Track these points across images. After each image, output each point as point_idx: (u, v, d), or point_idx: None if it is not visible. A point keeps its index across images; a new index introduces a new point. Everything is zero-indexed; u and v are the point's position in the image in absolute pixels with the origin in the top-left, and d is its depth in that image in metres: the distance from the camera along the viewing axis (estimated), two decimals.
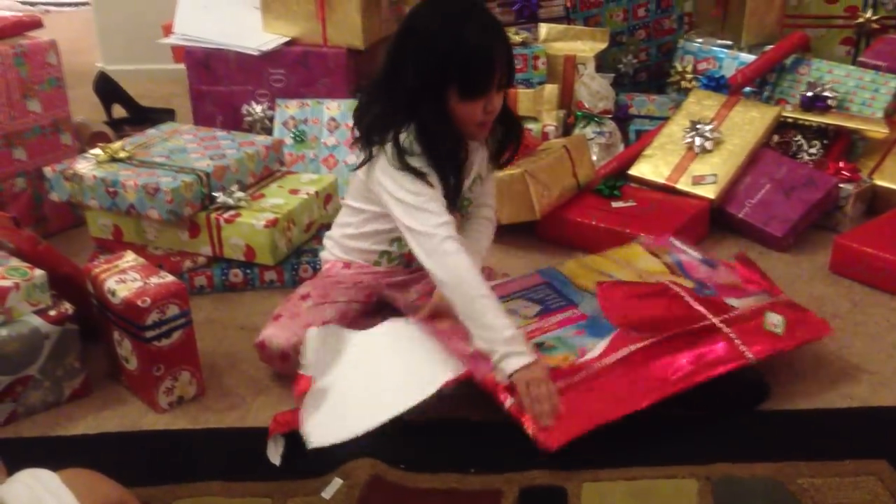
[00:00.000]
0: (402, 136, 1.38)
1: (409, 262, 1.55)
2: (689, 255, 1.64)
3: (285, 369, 1.44)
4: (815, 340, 1.49)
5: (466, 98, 1.36)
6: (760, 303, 1.48)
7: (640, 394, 1.30)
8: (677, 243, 1.68)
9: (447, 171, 1.39)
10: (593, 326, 1.42)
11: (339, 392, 1.35)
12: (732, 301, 1.49)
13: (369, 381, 1.37)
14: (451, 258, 1.34)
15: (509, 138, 1.50)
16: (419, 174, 1.37)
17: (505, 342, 1.29)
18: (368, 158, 1.42)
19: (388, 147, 1.38)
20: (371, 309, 1.55)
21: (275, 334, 1.44)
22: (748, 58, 2.34)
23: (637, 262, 1.61)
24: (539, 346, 1.37)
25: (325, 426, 1.30)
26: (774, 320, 1.42)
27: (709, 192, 1.95)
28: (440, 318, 1.43)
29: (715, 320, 1.41)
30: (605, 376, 1.32)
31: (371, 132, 1.42)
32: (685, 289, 1.49)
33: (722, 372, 1.33)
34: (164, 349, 1.36)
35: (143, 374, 1.38)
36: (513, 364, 1.28)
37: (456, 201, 1.44)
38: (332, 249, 1.59)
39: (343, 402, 1.34)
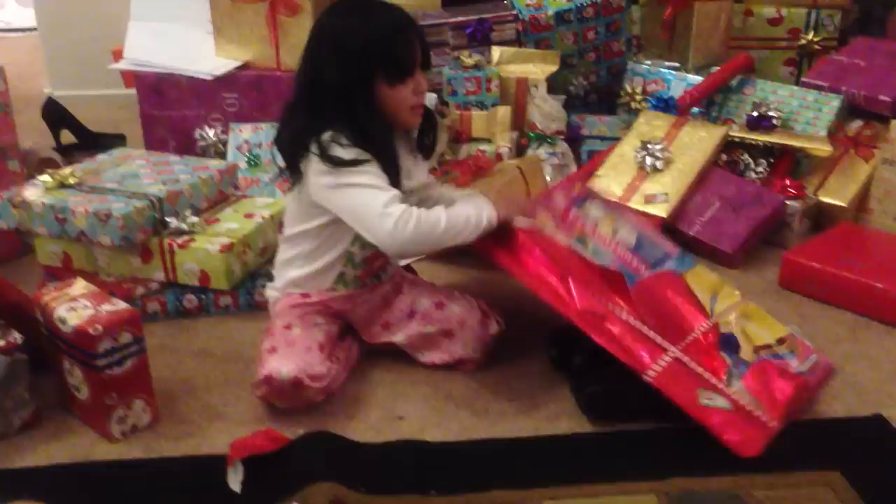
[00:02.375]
0: (325, 137, 1.39)
1: (364, 282, 1.54)
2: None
3: (294, 400, 1.39)
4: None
5: (395, 82, 1.41)
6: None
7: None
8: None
9: (384, 160, 1.41)
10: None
11: None
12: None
13: None
14: (409, 230, 1.36)
15: (426, 124, 1.54)
16: (355, 162, 1.38)
17: (477, 213, 1.41)
18: (296, 176, 1.44)
19: (315, 152, 1.39)
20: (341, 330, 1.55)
21: (281, 364, 1.38)
22: (695, 79, 2.39)
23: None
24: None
25: None
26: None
27: (660, 210, 1.98)
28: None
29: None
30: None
31: (293, 147, 1.43)
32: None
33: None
34: (116, 377, 1.33)
35: (94, 403, 1.35)
36: (487, 212, 1.42)
37: (395, 178, 1.44)
38: (285, 290, 1.54)
39: None
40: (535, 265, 1.43)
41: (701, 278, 1.57)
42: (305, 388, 1.38)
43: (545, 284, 1.41)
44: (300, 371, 1.38)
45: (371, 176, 1.39)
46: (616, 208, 1.68)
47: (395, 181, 1.42)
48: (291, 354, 1.40)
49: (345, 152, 1.38)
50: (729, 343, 1.45)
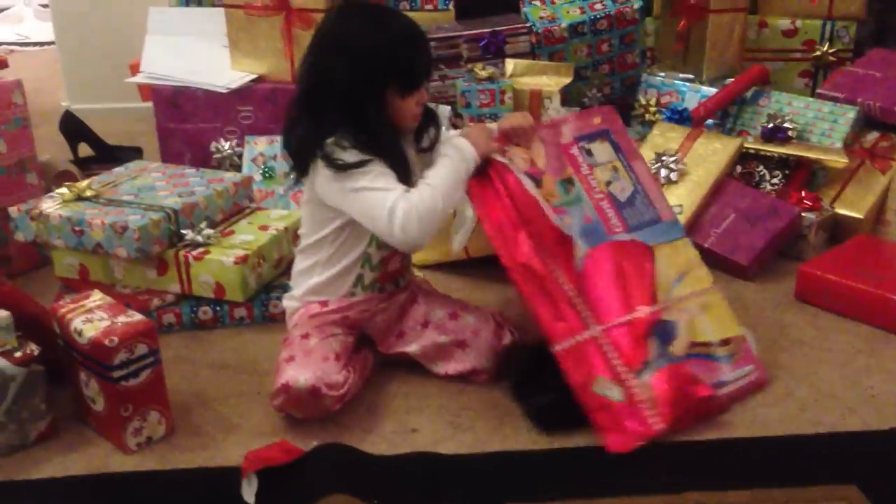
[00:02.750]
0: (329, 142, 1.39)
1: (382, 286, 1.54)
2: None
3: (311, 409, 1.40)
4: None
5: (406, 94, 1.42)
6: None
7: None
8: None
9: (392, 161, 1.41)
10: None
11: None
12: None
13: None
14: (415, 225, 1.36)
15: (427, 122, 1.53)
16: (358, 164, 1.38)
17: (460, 164, 1.43)
18: (305, 179, 1.44)
19: (320, 156, 1.39)
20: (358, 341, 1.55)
21: (298, 373, 1.39)
22: (709, 91, 2.39)
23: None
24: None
25: None
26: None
27: None
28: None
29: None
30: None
31: (301, 153, 1.44)
32: None
33: None
34: (132, 389, 1.34)
35: (110, 414, 1.36)
36: (468, 154, 1.44)
37: (407, 179, 1.43)
38: (304, 297, 1.54)
39: None
40: (495, 208, 1.45)
41: (677, 253, 1.55)
42: (323, 397, 1.38)
43: (498, 228, 1.43)
44: (317, 380, 1.38)
45: (374, 175, 1.39)
46: (629, 154, 1.62)
47: (404, 178, 1.42)
48: (309, 363, 1.41)
49: (347, 155, 1.39)
50: (665, 331, 1.45)
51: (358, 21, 1.44)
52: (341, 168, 1.38)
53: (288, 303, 1.57)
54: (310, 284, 1.53)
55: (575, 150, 1.58)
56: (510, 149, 1.53)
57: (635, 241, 1.52)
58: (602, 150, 1.61)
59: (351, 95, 1.40)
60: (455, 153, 1.44)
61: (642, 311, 1.44)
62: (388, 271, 1.54)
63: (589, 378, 1.36)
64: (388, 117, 1.43)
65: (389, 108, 1.43)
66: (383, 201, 1.37)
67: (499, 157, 1.47)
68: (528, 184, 1.48)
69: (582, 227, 1.51)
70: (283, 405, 1.41)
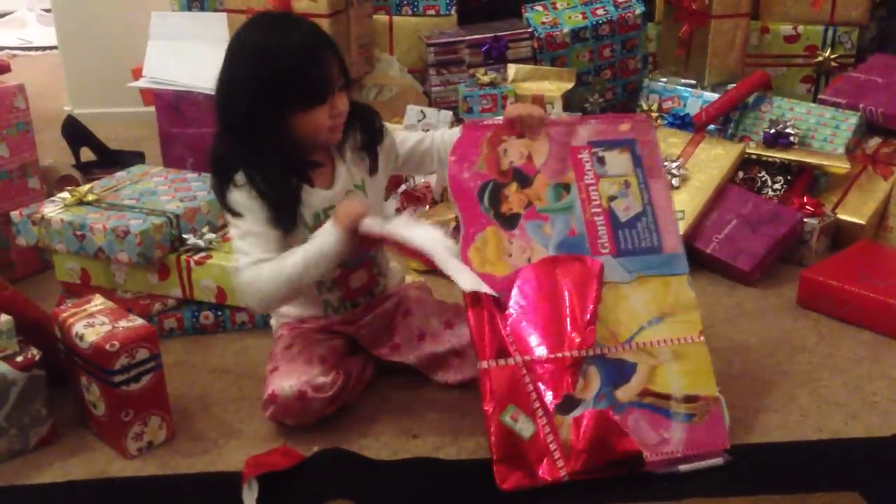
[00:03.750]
0: (230, 173, 1.37)
1: (356, 302, 1.53)
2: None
3: (301, 415, 1.39)
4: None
5: (309, 107, 1.35)
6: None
7: None
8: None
9: (279, 204, 1.36)
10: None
11: None
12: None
13: None
14: (247, 273, 1.35)
15: (367, 126, 1.48)
16: (234, 214, 1.37)
17: (317, 247, 1.34)
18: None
19: (214, 187, 1.40)
20: (353, 345, 1.54)
21: (283, 380, 1.38)
22: (711, 96, 2.39)
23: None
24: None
25: None
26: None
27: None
28: None
29: None
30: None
31: (217, 166, 1.41)
32: None
33: None
34: (133, 394, 1.34)
35: (111, 419, 1.36)
36: (327, 226, 1.34)
37: (292, 218, 1.39)
38: (281, 321, 1.54)
39: None
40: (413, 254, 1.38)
41: (666, 290, 1.42)
42: (311, 401, 1.38)
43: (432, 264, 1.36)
44: (302, 385, 1.38)
45: (242, 233, 1.37)
46: (650, 171, 1.50)
47: (288, 222, 1.38)
48: (293, 370, 1.40)
49: (234, 195, 1.37)
50: (617, 372, 1.34)
51: (258, 31, 1.38)
52: (222, 205, 1.39)
53: (273, 319, 1.57)
54: (282, 311, 1.52)
55: (584, 155, 1.48)
56: (507, 139, 1.45)
57: (583, 257, 1.41)
58: (618, 162, 1.50)
59: (250, 111, 1.35)
60: (319, 232, 1.36)
61: (572, 349, 1.34)
62: (353, 288, 1.52)
63: (500, 405, 1.28)
64: (297, 137, 1.38)
65: (296, 126, 1.37)
66: (238, 262, 1.37)
67: (371, 227, 1.34)
68: (423, 236, 1.34)
69: (562, 240, 1.42)
70: (273, 415, 1.41)
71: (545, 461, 1.28)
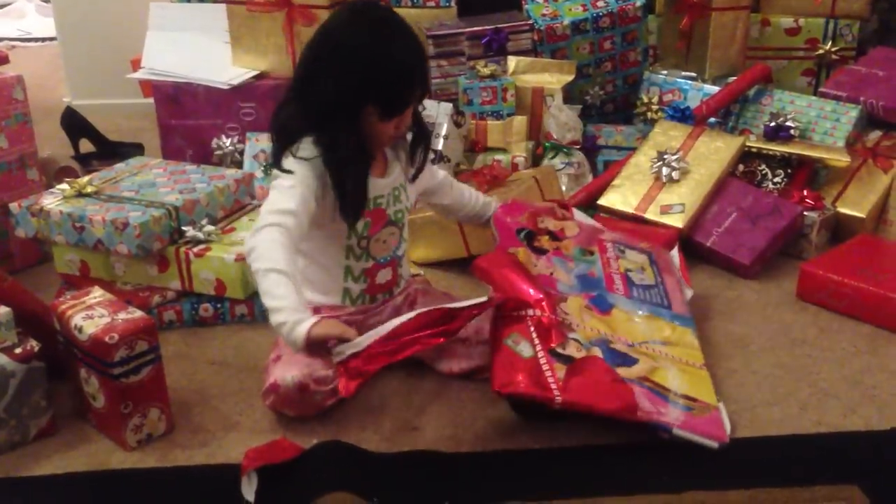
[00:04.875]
0: (306, 142, 1.40)
1: (374, 298, 1.54)
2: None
3: (302, 406, 1.39)
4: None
5: (385, 118, 1.39)
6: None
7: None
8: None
9: (344, 178, 1.39)
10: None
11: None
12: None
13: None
14: (259, 236, 1.35)
15: (418, 142, 1.52)
16: (286, 171, 1.40)
17: (293, 310, 1.31)
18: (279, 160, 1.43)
19: (290, 151, 1.41)
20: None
21: (285, 371, 1.39)
22: (712, 89, 2.38)
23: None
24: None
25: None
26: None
27: (677, 221, 1.97)
28: None
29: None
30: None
31: (282, 133, 1.43)
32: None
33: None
34: (132, 386, 1.34)
35: (110, 411, 1.36)
36: (303, 328, 1.31)
37: (358, 208, 1.42)
38: None
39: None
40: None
41: (673, 332, 1.53)
42: (312, 393, 1.38)
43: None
44: (304, 376, 1.38)
45: (286, 182, 1.39)
46: (664, 269, 1.70)
47: (355, 200, 1.40)
48: (296, 361, 1.40)
49: (288, 162, 1.40)
50: (621, 359, 1.41)
51: (361, 27, 1.39)
52: (275, 164, 1.41)
53: None
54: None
55: (609, 244, 1.71)
56: (543, 219, 1.69)
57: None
58: (636, 257, 1.71)
59: (331, 101, 1.38)
60: (299, 313, 1.33)
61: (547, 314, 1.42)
62: (378, 283, 1.54)
63: (506, 332, 1.38)
64: (362, 133, 1.40)
65: (365, 126, 1.40)
66: (268, 203, 1.39)
67: (342, 351, 1.34)
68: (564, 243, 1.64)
69: (582, 274, 1.59)
70: (273, 405, 1.41)
71: (540, 380, 1.32)
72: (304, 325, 1.31)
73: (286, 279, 1.32)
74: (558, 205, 1.79)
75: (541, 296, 1.44)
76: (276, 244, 1.34)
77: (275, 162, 1.43)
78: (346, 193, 1.40)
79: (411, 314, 1.35)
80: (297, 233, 1.38)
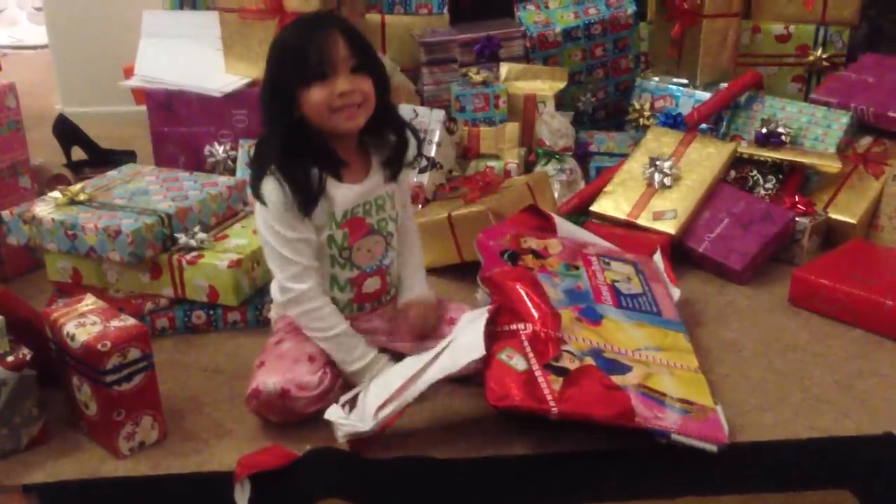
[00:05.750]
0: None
1: (361, 305, 1.53)
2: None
3: (284, 412, 1.40)
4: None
5: (305, 82, 1.36)
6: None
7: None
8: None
9: (294, 169, 1.38)
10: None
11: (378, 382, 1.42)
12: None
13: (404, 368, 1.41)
14: (294, 311, 1.45)
15: (398, 139, 1.49)
16: (263, 201, 1.40)
17: (354, 358, 1.45)
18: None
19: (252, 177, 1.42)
20: None
21: (268, 376, 1.39)
22: (703, 96, 2.39)
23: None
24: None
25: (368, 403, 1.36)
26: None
27: (669, 227, 1.98)
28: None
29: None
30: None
31: (254, 159, 1.44)
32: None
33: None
34: (124, 393, 1.34)
35: (103, 419, 1.35)
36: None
37: (309, 200, 1.40)
38: (281, 310, 1.53)
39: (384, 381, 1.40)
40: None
41: (664, 336, 1.54)
42: (294, 399, 1.38)
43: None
44: (287, 382, 1.38)
45: (277, 239, 1.40)
46: (651, 278, 1.71)
47: (305, 202, 1.39)
48: (278, 366, 1.41)
49: (265, 183, 1.39)
50: (615, 367, 1.41)
51: (288, 26, 1.43)
52: (254, 195, 1.42)
53: (272, 312, 1.57)
54: None
55: (593, 258, 1.71)
56: (526, 239, 1.70)
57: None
58: (622, 268, 1.72)
59: (266, 93, 1.40)
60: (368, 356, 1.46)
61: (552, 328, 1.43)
62: (365, 293, 1.53)
63: (499, 347, 1.38)
64: (310, 121, 1.39)
65: (304, 108, 1.38)
66: (277, 270, 1.44)
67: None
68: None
69: (569, 289, 1.58)
70: (256, 409, 1.42)
71: (536, 392, 1.32)
72: (373, 356, 1.45)
73: (346, 337, 1.45)
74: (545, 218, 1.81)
75: (546, 312, 1.44)
76: (314, 311, 1.44)
77: (253, 192, 1.42)
78: (298, 186, 1.38)
79: (419, 366, 1.37)
80: (318, 276, 1.44)
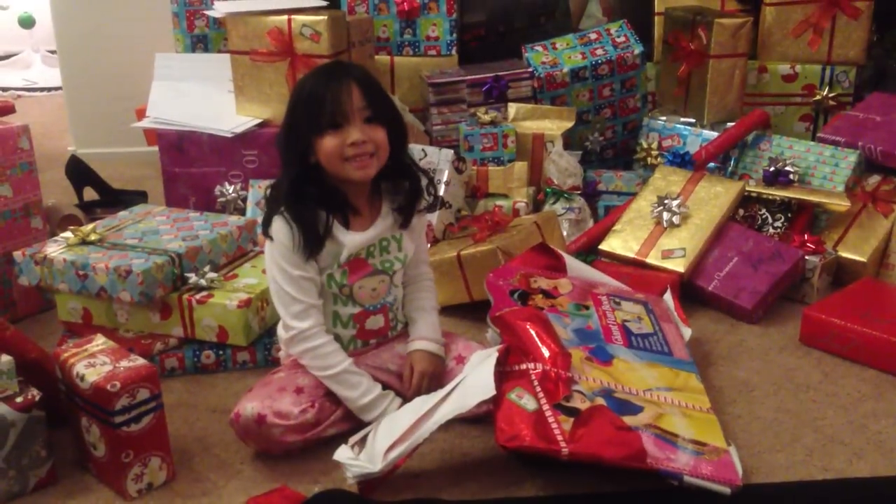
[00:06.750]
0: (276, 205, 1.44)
1: (366, 342, 1.54)
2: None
3: (261, 439, 1.40)
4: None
5: (319, 132, 1.39)
6: None
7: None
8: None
9: (301, 212, 1.41)
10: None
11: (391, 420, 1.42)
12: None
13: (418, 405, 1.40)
14: (298, 349, 1.46)
15: (412, 193, 1.51)
16: (271, 237, 1.43)
17: (367, 405, 1.47)
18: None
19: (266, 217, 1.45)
20: None
21: (248, 401, 1.41)
22: (711, 135, 2.40)
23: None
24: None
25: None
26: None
27: (678, 265, 1.98)
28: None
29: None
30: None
31: (269, 198, 1.48)
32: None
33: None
34: (133, 434, 1.33)
35: (111, 460, 1.35)
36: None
37: (313, 244, 1.42)
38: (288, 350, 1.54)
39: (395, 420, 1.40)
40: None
41: (675, 377, 1.52)
42: (270, 426, 1.39)
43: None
44: (265, 408, 1.39)
45: (284, 276, 1.43)
46: (661, 318, 1.71)
47: (309, 244, 1.41)
48: (261, 393, 1.43)
49: (274, 222, 1.43)
50: (625, 407, 1.39)
51: (308, 76, 1.46)
52: (264, 233, 1.45)
53: (282, 352, 1.58)
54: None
55: (603, 298, 1.71)
56: (536, 279, 1.69)
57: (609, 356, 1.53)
58: (632, 308, 1.71)
59: (282, 138, 1.44)
60: (375, 398, 1.47)
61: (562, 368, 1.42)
62: (368, 329, 1.53)
63: (509, 387, 1.37)
64: (325, 168, 1.42)
65: (318, 154, 1.41)
66: (283, 308, 1.45)
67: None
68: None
69: (579, 328, 1.58)
70: (237, 434, 1.44)
71: (546, 433, 1.30)
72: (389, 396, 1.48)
73: (348, 375, 1.46)
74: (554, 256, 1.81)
75: (556, 351, 1.43)
76: (315, 350, 1.45)
77: (263, 226, 1.46)
78: (304, 229, 1.41)
79: (428, 406, 1.37)
80: (320, 316, 1.47)
